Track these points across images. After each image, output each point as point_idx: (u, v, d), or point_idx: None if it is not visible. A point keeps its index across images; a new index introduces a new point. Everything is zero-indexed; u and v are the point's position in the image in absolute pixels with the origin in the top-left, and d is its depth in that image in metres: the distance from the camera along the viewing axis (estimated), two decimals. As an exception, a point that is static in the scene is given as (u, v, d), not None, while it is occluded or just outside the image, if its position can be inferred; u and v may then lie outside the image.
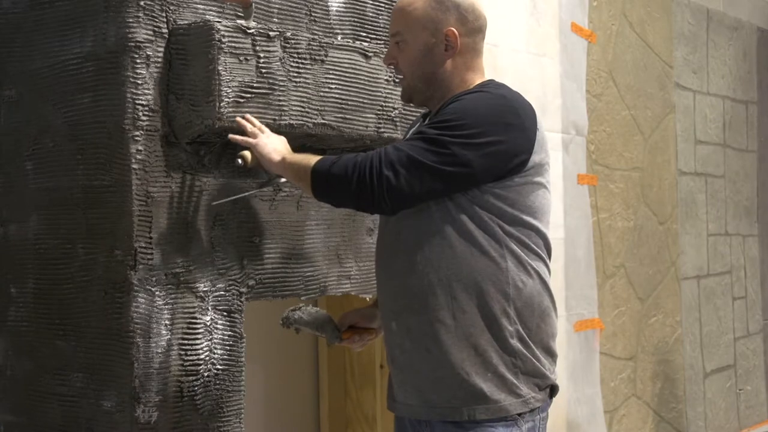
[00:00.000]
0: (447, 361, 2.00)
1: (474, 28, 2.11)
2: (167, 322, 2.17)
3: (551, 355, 2.09)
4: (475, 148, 1.95)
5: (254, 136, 2.15)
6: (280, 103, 2.25)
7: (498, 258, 2.00)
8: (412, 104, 2.22)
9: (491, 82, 2.13)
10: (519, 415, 2.01)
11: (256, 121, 2.19)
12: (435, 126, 1.99)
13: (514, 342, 2.01)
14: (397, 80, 2.15)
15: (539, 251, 2.06)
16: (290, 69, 2.27)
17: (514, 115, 2.01)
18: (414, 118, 2.42)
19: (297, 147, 2.44)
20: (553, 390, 2.09)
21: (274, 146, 2.14)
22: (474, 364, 1.99)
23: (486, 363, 1.99)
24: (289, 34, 2.28)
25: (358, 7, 2.62)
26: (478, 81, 2.12)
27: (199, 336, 2.22)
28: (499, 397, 1.99)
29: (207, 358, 2.24)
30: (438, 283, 2.00)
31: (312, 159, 2.07)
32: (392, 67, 2.17)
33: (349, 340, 2.27)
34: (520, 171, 2.01)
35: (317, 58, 2.34)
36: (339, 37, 2.54)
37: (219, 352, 2.26)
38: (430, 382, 2.02)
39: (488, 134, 1.97)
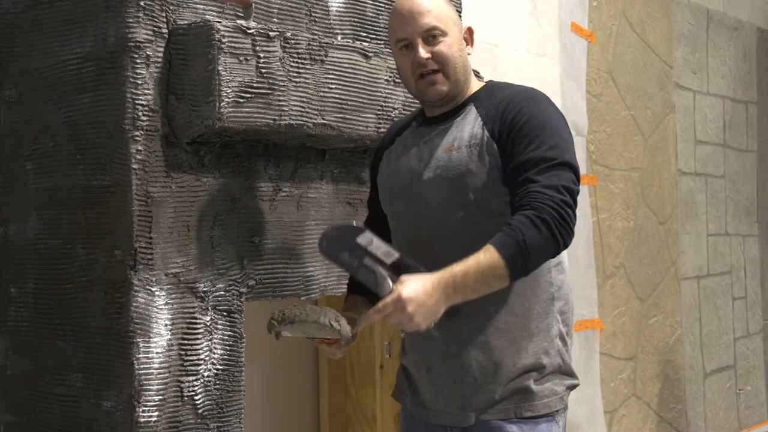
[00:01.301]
0: (499, 365, 2.02)
1: None
2: (167, 322, 2.17)
3: (572, 346, 2.15)
4: (572, 150, 2.02)
5: (398, 312, 1.85)
6: (280, 103, 2.25)
7: None
8: (438, 102, 2.12)
9: (492, 82, 2.21)
10: (556, 411, 2.05)
11: (383, 308, 1.88)
12: (543, 147, 1.97)
13: (557, 341, 2.07)
14: (427, 75, 2.09)
15: None
16: (290, 69, 2.27)
17: None
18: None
19: (297, 147, 2.44)
20: (574, 386, 2.14)
21: (425, 298, 1.85)
22: (524, 366, 2.03)
23: (534, 364, 2.03)
24: (289, 34, 2.28)
25: (358, 7, 2.62)
26: (473, 77, 2.17)
27: (199, 336, 2.22)
28: (543, 395, 2.03)
29: (207, 358, 2.24)
30: None
31: (483, 256, 1.86)
32: (428, 61, 2.07)
33: (335, 344, 2.23)
34: None
35: (317, 58, 2.34)
36: (339, 37, 2.54)
37: (219, 352, 2.26)
38: (476, 387, 2.04)
39: (566, 134, 2.04)
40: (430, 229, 2.05)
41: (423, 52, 2.07)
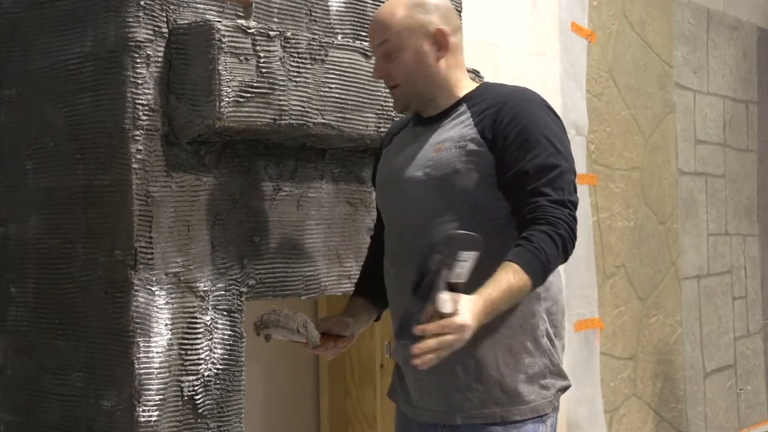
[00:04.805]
0: (481, 363, 2.01)
1: (457, 25, 2.13)
2: (167, 321, 2.17)
3: (564, 349, 2.14)
4: (570, 157, 2.02)
5: (453, 329, 1.80)
6: (280, 103, 2.25)
7: None
8: (406, 113, 2.19)
9: (487, 83, 2.21)
10: (545, 414, 2.04)
11: (443, 326, 1.81)
12: (545, 155, 1.97)
13: (545, 341, 2.05)
14: (390, 88, 2.14)
15: None
16: (290, 69, 2.27)
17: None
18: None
19: (297, 146, 2.44)
20: (566, 388, 2.12)
21: (471, 315, 1.82)
22: (508, 365, 2.01)
23: (520, 364, 2.02)
24: (289, 33, 2.28)
25: (358, 6, 2.62)
26: (465, 77, 2.14)
27: (199, 335, 2.22)
28: (530, 398, 2.02)
29: (207, 357, 2.24)
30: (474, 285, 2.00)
31: (515, 279, 1.87)
32: (383, 79, 2.13)
33: (322, 347, 2.23)
34: None
35: (317, 57, 2.34)
36: (339, 37, 2.54)
37: (219, 351, 2.26)
38: (461, 386, 2.03)
39: (564, 139, 2.04)
40: (416, 227, 2.03)
41: (378, 71, 2.12)
